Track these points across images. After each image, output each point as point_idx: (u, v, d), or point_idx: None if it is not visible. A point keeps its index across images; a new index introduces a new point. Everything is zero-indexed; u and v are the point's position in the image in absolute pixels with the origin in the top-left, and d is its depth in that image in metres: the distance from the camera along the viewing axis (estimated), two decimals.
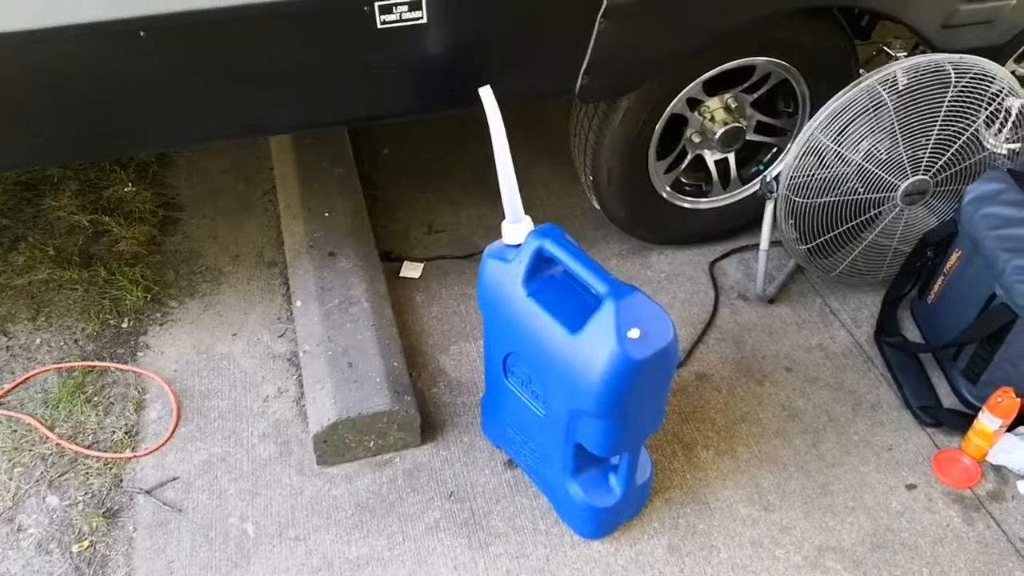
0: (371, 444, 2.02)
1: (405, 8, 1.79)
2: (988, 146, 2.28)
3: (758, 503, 1.99)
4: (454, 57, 1.92)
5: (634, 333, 1.50)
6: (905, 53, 2.31)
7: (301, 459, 2.05)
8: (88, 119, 1.82)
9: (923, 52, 2.33)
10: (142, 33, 1.68)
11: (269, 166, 2.91)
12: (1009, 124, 2.23)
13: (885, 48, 2.48)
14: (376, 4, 1.76)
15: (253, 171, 2.92)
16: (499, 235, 1.73)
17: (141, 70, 1.76)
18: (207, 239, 2.66)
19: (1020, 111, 2.22)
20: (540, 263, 1.66)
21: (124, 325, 2.37)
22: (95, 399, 2.18)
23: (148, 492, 1.98)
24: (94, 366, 2.25)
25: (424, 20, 1.81)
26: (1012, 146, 2.28)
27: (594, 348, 1.52)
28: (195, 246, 2.64)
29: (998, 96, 2.20)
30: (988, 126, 2.25)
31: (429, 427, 2.11)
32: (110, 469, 2.03)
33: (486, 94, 1.66)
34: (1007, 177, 2.16)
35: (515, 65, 1.99)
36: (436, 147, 3.03)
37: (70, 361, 2.26)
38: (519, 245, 1.70)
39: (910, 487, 2.04)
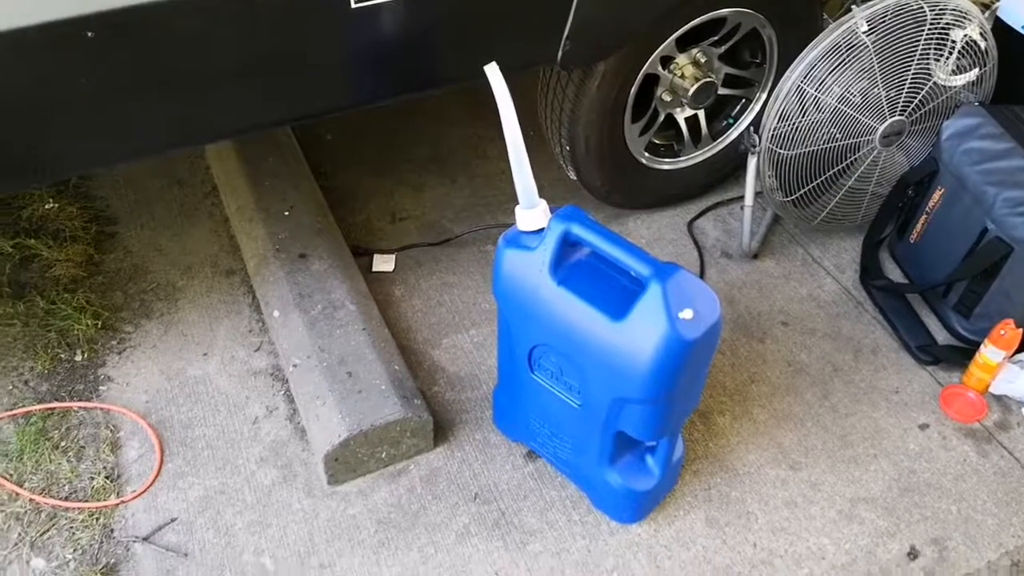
0: (383, 455, 1.89)
1: None
2: (940, 81, 2.28)
3: (784, 463, 1.97)
4: (434, 34, 1.78)
5: (687, 314, 1.42)
6: None
7: (308, 480, 1.91)
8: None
9: None
10: (90, 34, 1.48)
11: (204, 166, 2.69)
12: (954, 56, 2.22)
13: None
14: None
15: (186, 173, 2.69)
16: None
17: (87, 77, 1.55)
18: (151, 252, 2.44)
19: (966, 41, 2.22)
20: (565, 248, 1.56)
21: (78, 358, 2.15)
22: (63, 444, 1.97)
23: (146, 539, 1.80)
24: (54, 407, 2.03)
25: None
26: (958, 80, 2.27)
27: (644, 333, 1.43)
28: (139, 261, 2.41)
29: (948, 28, 2.18)
30: (937, 60, 2.24)
31: (439, 428, 1.99)
32: (97, 520, 1.84)
33: (492, 71, 1.53)
34: (981, 111, 2.18)
35: (500, 37, 1.86)
36: (381, 126, 2.86)
37: (24, 405, 2.03)
38: (539, 231, 1.59)
39: (923, 427, 2.06)
